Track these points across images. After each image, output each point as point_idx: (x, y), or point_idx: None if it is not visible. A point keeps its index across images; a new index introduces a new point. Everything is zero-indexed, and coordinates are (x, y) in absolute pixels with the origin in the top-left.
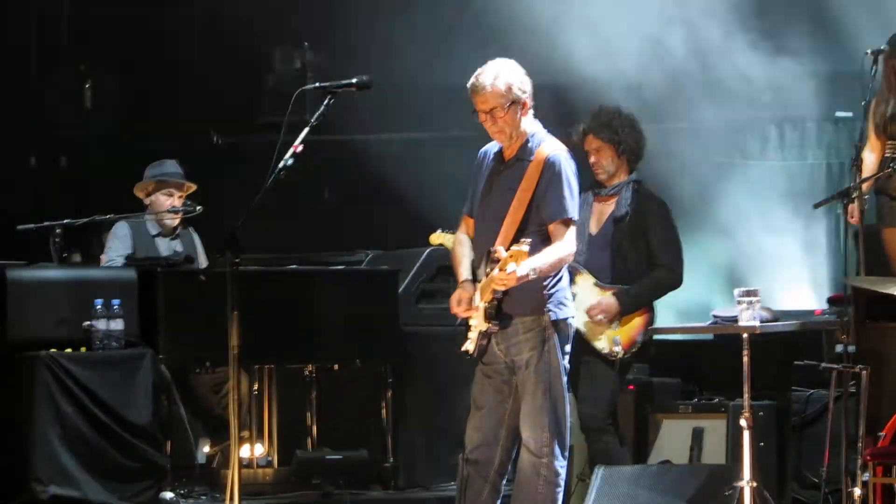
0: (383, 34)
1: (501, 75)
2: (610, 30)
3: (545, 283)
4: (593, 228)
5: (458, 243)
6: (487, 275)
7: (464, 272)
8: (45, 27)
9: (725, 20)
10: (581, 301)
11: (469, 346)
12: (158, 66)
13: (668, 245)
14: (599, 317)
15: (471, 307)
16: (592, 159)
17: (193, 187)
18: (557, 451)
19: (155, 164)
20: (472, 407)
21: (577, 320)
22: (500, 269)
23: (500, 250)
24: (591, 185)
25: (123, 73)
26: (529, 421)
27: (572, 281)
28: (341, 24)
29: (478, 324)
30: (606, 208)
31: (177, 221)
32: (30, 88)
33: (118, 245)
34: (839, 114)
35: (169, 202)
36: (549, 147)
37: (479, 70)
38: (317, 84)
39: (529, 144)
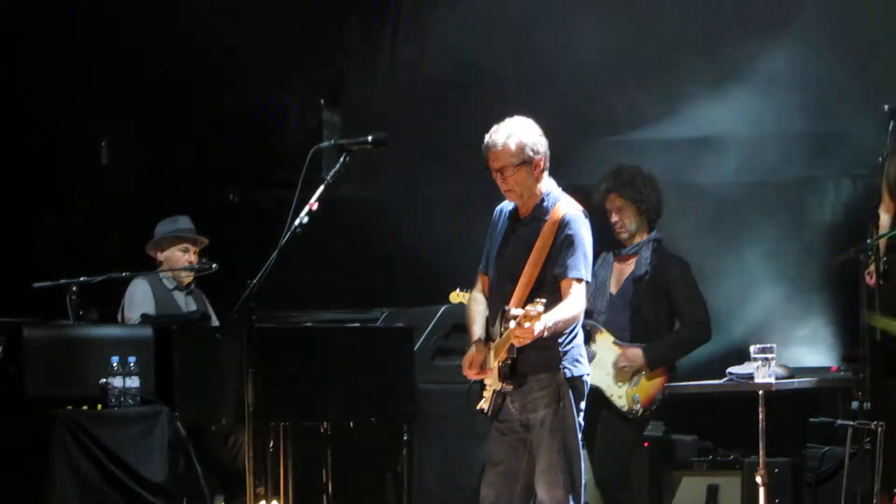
0: (399, 91)
1: (514, 134)
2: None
3: (560, 341)
4: (613, 288)
5: (474, 301)
6: (502, 334)
7: (476, 331)
8: (61, 83)
9: (743, 75)
10: (601, 360)
11: (484, 404)
12: (174, 123)
13: (693, 301)
14: (624, 365)
15: (482, 369)
16: (615, 218)
17: (206, 242)
18: None
19: (167, 221)
20: (488, 464)
21: (597, 378)
22: (518, 327)
23: (513, 310)
24: (611, 245)
25: (139, 130)
26: (544, 478)
27: (592, 340)
28: (357, 81)
29: (492, 383)
30: (626, 268)
31: (192, 276)
32: (45, 145)
33: (141, 303)
34: (854, 171)
35: (185, 258)
36: (565, 207)
37: (494, 128)
38: (333, 141)
39: (545, 203)
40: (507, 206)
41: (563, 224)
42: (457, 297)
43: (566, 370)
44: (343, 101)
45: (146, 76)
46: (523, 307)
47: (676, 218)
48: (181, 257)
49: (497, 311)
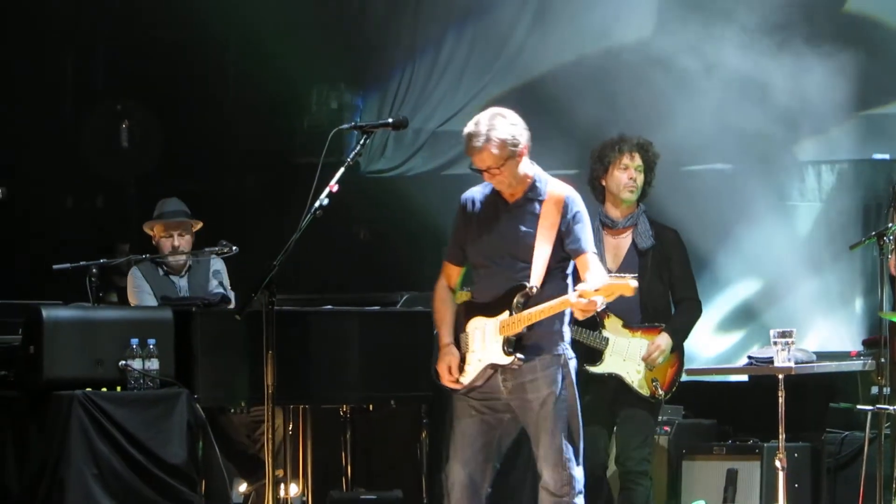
0: (419, 73)
1: (493, 134)
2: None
3: (561, 321)
4: (611, 264)
5: (441, 301)
6: (515, 310)
7: (446, 335)
8: (82, 67)
9: (764, 63)
10: (614, 345)
11: (465, 378)
12: (194, 106)
13: (689, 276)
14: (660, 359)
15: (459, 376)
16: (632, 175)
17: (199, 225)
18: (577, 487)
19: (159, 204)
20: (461, 443)
21: (614, 365)
22: (583, 301)
23: (581, 286)
24: (599, 219)
25: (160, 113)
26: (549, 461)
27: (602, 325)
28: (378, 64)
29: (486, 357)
30: (622, 241)
31: (183, 259)
32: (66, 128)
33: (141, 294)
34: (876, 156)
35: (169, 243)
36: (561, 186)
37: (471, 126)
38: (353, 123)
39: (538, 185)
40: (477, 193)
41: (567, 203)
42: (462, 296)
43: (567, 351)
44: (364, 83)
45: (166, 60)
46: (542, 284)
47: (698, 198)
48: (165, 243)
49: (498, 291)
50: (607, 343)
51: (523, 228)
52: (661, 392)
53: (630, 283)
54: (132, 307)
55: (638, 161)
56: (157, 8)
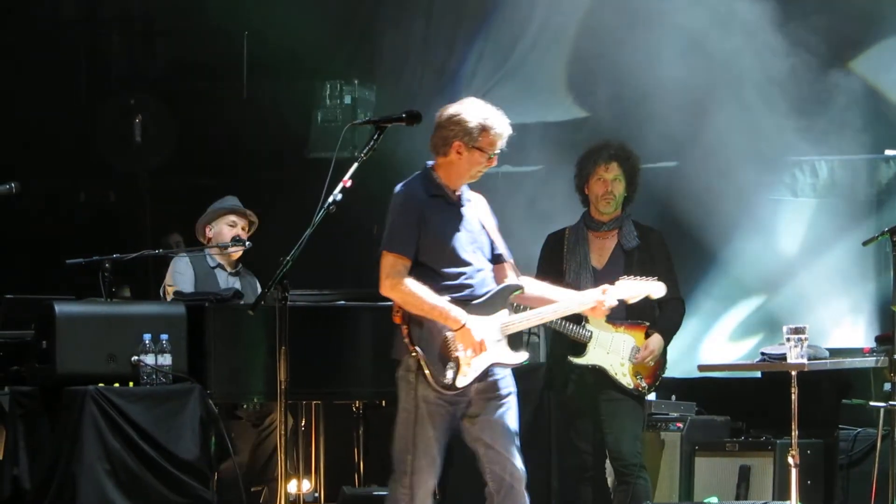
0: (432, 68)
1: None
2: (664, 65)
3: None
4: (596, 263)
5: (416, 285)
6: (514, 309)
7: (458, 309)
8: (95, 62)
9: (779, 60)
10: (598, 339)
11: (466, 379)
12: (207, 101)
13: (672, 276)
14: (652, 363)
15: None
16: (608, 188)
17: (255, 217)
18: None
19: (215, 205)
20: (433, 447)
21: (598, 358)
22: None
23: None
24: (583, 220)
25: (173, 107)
26: (513, 453)
27: (585, 320)
28: (391, 60)
29: (487, 357)
30: (608, 242)
31: (239, 254)
32: (79, 123)
33: (182, 277)
34: (889, 152)
35: (233, 232)
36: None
37: (496, 112)
38: (366, 118)
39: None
40: (418, 190)
41: (489, 208)
42: None
43: None
44: (377, 78)
45: (180, 54)
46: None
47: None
48: (228, 232)
49: (481, 291)
50: (591, 336)
51: (479, 228)
52: (644, 385)
53: (661, 284)
54: (144, 302)
55: (615, 171)
56: (170, 2)
